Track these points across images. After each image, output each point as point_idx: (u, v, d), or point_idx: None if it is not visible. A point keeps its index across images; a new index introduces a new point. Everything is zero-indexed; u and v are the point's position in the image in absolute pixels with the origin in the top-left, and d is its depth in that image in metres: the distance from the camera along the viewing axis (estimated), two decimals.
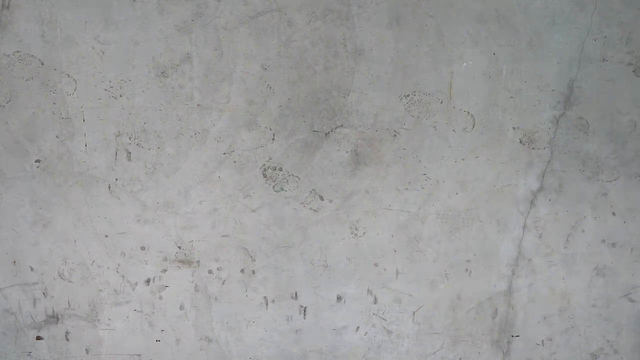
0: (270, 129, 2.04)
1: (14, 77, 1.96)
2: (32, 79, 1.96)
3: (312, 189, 2.08)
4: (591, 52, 2.09)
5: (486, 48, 2.06)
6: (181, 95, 2.01)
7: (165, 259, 2.08)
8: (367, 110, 2.06)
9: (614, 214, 2.17)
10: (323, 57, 2.02)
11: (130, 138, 2.01)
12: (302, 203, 2.08)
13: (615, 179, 2.15)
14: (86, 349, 2.12)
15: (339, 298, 2.16)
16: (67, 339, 2.11)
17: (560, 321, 2.23)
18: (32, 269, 2.06)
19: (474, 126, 2.10)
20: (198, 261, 2.09)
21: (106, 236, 2.05)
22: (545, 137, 2.12)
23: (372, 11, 2.02)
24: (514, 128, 2.11)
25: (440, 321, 2.20)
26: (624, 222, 2.18)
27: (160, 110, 2.01)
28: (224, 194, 2.06)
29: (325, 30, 2.01)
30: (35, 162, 2.00)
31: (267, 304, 2.13)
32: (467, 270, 2.17)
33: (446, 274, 2.17)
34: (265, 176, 2.06)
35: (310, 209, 2.09)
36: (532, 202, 2.15)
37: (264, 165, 2.06)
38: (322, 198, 2.09)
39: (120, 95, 1.99)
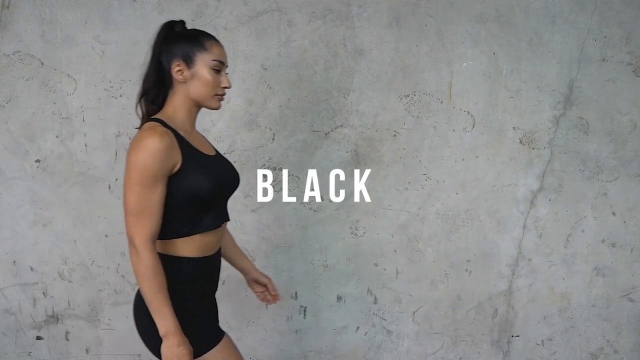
0: (270, 129, 2.04)
1: (14, 77, 1.96)
2: (32, 79, 1.96)
3: (312, 189, 2.08)
4: (591, 52, 2.09)
5: (486, 48, 2.06)
6: None
7: None
8: (367, 110, 2.06)
9: (614, 214, 2.17)
10: (323, 57, 2.02)
11: (130, 138, 2.01)
12: (302, 203, 2.08)
13: (615, 179, 2.15)
14: (86, 349, 2.12)
15: (339, 298, 2.16)
16: (67, 339, 2.11)
17: (560, 321, 2.23)
18: (32, 269, 2.06)
19: (474, 126, 2.10)
20: None
21: (106, 236, 2.05)
22: (545, 137, 2.12)
23: (372, 11, 2.02)
24: (514, 128, 2.11)
25: (440, 321, 2.20)
26: (624, 222, 2.18)
27: None
28: None
29: (325, 30, 2.01)
30: (35, 162, 2.00)
31: (267, 304, 2.13)
32: (467, 270, 2.17)
33: (446, 274, 2.17)
34: (265, 176, 2.06)
35: (310, 209, 2.09)
36: (532, 202, 2.15)
37: (264, 165, 2.06)
38: (322, 198, 2.09)
39: (120, 95, 1.99)
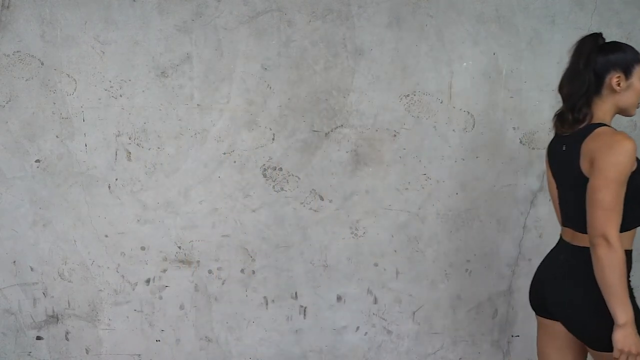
0: (270, 129, 2.04)
1: (14, 77, 1.96)
2: (32, 79, 1.96)
3: (312, 189, 2.08)
4: None
5: (486, 48, 2.06)
6: (181, 95, 2.01)
7: (165, 259, 2.08)
8: (367, 110, 2.06)
9: None
10: (323, 57, 2.02)
11: (130, 138, 2.01)
12: (302, 203, 2.08)
13: None
14: (86, 349, 2.12)
15: (339, 298, 2.16)
16: (67, 339, 2.11)
17: None
18: (32, 269, 2.06)
19: (474, 126, 2.10)
20: (198, 261, 2.09)
21: (106, 236, 2.05)
22: (545, 137, 2.11)
23: (372, 11, 2.02)
24: (514, 128, 2.11)
25: (440, 321, 2.20)
26: None
27: (160, 110, 2.01)
28: (224, 194, 2.06)
29: (325, 30, 2.01)
30: (35, 162, 2.00)
31: (267, 304, 2.13)
32: (467, 270, 2.17)
33: (446, 274, 2.17)
34: (265, 176, 2.06)
35: (310, 209, 2.09)
36: (532, 202, 2.15)
37: (264, 165, 2.06)
38: (322, 198, 2.09)
39: (120, 95, 1.99)
